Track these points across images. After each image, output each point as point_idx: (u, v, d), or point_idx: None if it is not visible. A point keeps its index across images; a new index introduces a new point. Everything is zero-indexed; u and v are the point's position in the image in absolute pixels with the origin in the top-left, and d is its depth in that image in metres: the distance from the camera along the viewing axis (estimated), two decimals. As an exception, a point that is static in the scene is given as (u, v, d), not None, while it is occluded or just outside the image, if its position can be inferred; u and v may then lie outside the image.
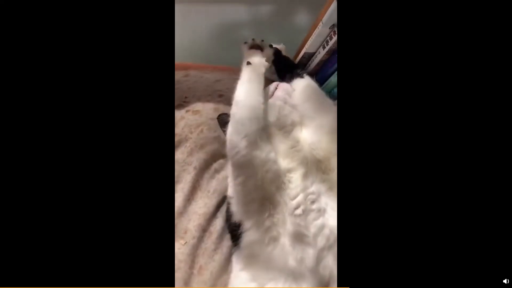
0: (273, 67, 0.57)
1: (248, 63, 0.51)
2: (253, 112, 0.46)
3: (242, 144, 0.44)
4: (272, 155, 0.46)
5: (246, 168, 0.44)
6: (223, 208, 0.53)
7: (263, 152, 0.44)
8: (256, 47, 0.54)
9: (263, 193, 0.44)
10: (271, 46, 0.55)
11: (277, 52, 0.56)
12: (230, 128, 0.46)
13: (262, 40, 0.54)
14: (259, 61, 0.52)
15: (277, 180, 0.45)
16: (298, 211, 0.43)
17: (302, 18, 0.58)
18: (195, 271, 0.48)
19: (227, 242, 0.51)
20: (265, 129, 0.47)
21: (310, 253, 0.41)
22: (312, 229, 0.42)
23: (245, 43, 0.54)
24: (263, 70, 0.51)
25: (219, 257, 0.49)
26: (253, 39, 0.54)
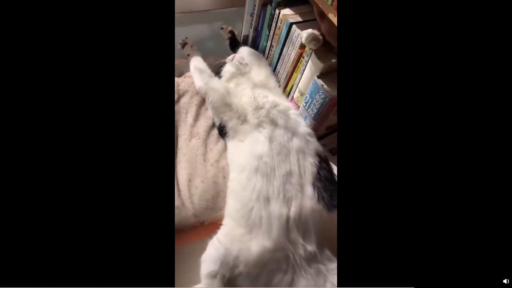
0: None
1: (188, 55, 0.98)
2: (203, 71, 0.90)
3: (202, 82, 0.88)
4: (222, 84, 0.88)
5: (209, 92, 0.86)
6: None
7: (215, 84, 0.87)
8: (184, 44, 1.00)
9: (227, 102, 0.83)
10: (231, 31, 1.02)
11: (232, 33, 1.02)
12: (195, 80, 0.91)
13: (186, 37, 1.00)
14: (191, 49, 0.99)
15: (230, 95, 0.84)
16: (252, 99, 0.81)
17: (240, 25, 1.03)
18: (208, 150, 0.82)
19: (220, 142, 0.86)
20: (211, 75, 0.91)
21: (263, 111, 0.78)
22: (260, 102, 0.80)
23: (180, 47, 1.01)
24: (196, 51, 0.99)
25: (220, 144, 0.84)
26: (180, 42, 1.00)
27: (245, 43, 1.02)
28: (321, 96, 0.69)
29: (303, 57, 0.75)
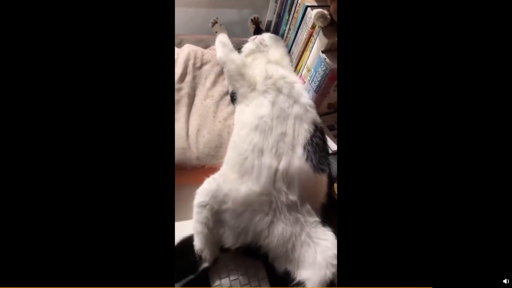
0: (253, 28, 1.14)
1: (216, 32, 1.09)
2: (227, 45, 1.01)
3: (223, 54, 0.98)
4: (239, 57, 0.99)
5: (227, 62, 0.96)
6: (231, 91, 1.01)
7: (233, 56, 0.98)
8: (214, 23, 1.12)
9: (241, 72, 0.93)
10: (256, 19, 1.14)
11: (257, 21, 1.14)
12: (217, 52, 1.02)
13: (217, 18, 1.13)
14: (219, 28, 1.11)
15: (245, 67, 0.95)
16: (264, 71, 0.91)
17: (265, 12, 1.15)
18: (219, 110, 0.93)
19: (230, 106, 0.97)
20: (232, 50, 1.01)
21: (271, 80, 0.87)
22: (270, 73, 0.89)
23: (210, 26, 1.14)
24: (223, 29, 1.10)
25: (230, 107, 0.95)
26: (211, 21, 1.12)
27: (268, 28, 1.14)
28: (323, 69, 0.78)
29: (313, 36, 0.84)
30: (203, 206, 0.73)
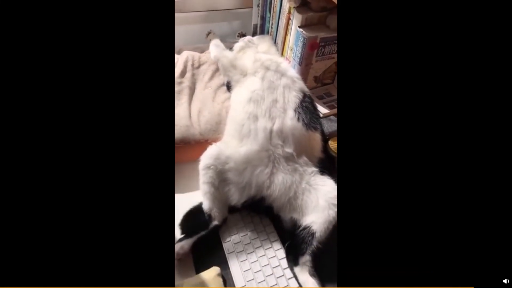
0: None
1: (210, 40, 1.23)
2: (219, 45, 1.14)
3: (217, 52, 1.11)
4: (231, 53, 1.11)
5: (221, 57, 1.08)
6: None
7: (226, 53, 1.10)
8: (208, 33, 1.27)
9: (233, 64, 1.05)
10: (241, 33, 1.29)
11: (243, 35, 1.29)
12: (212, 52, 1.15)
13: (211, 30, 1.28)
14: (213, 36, 1.25)
15: (237, 60, 1.06)
16: (253, 58, 1.03)
17: (251, 19, 1.31)
18: (217, 96, 1.03)
19: (227, 93, 1.08)
20: (225, 49, 1.13)
21: (259, 62, 0.98)
22: (258, 57, 1.00)
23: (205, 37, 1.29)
24: (217, 38, 1.24)
25: (227, 94, 1.05)
26: (206, 33, 1.28)
27: (255, 31, 1.29)
28: (301, 40, 0.89)
29: (290, 19, 0.97)
30: (207, 167, 0.79)
